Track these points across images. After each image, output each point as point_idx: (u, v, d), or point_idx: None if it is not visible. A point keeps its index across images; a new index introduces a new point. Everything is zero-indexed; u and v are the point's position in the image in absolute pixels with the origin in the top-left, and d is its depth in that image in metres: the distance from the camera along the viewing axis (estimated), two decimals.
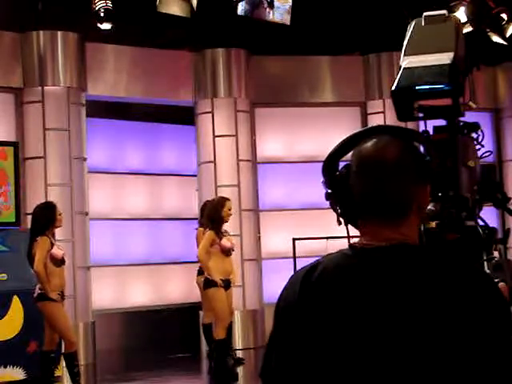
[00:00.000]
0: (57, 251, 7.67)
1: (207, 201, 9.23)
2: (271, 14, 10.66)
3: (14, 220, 9.69)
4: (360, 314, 1.72)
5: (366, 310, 1.72)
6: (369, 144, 1.81)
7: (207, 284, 8.31)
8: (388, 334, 1.69)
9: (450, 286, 1.70)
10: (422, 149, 1.86)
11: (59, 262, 7.69)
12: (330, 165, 1.93)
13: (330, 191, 1.92)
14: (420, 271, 1.72)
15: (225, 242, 8.37)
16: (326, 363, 1.74)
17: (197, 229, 9.41)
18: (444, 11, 3.15)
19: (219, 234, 8.33)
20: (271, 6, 10.64)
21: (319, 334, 1.75)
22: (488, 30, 10.98)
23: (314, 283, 1.78)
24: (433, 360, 1.65)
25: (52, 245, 7.66)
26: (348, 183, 1.84)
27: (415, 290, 1.70)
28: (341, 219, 1.91)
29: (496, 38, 11.04)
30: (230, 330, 9.46)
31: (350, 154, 1.89)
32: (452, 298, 1.68)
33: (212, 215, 8.37)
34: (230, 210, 8.40)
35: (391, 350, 1.68)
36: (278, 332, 1.83)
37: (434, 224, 3.04)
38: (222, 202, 8.49)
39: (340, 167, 1.92)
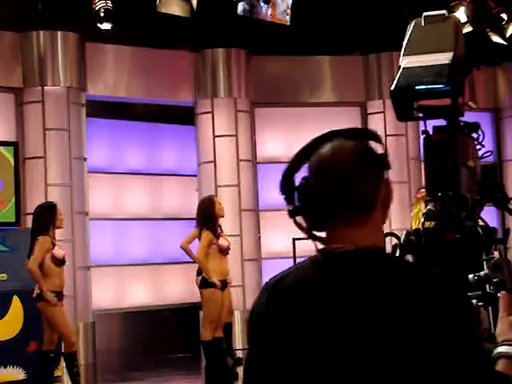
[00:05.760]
0: (58, 251, 7.69)
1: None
2: (269, 12, 10.66)
3: (14, 220, 9.70)
4: (324, 325, 1.71)
5: (330, 321, 1.71)
6: (324, 148, 1.83)
7: (204, 284, 8.36)
8: (351, 344, 1.68)
9: (414, 294, 1.69)
10: (377, 146, 1.86)
11: (60, 262, 7.70)
12: (287, 180, 1.92)
13: (291, 208, 1.89)
14: (384, 278, 1.72)
15: (222, 241, 8.43)
16: (292, 376, 1.74)
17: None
18: (444, 11, 3.15)
19: (216, 233, 8.38)
20: (268, 2, 10.64)
21: (286, 346, 1.75)
22: (488, 30, 10.99)
23: (281, 294, 1.79)
24: (399, 371, 1.65)
25: (53, 245, 7.67)
26: (310, 192, 1.83)
27: (379, 299, 1.69)
28: (308, 232, 1.88)
29: (496, 38, 11.04)
30: (229, 329, 9.48)
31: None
32: (416, 307, 1.67)
33: (206, 215, 8.40)
34: (220, 204, 8.48)
35: (356, 358, 1.68)
36: (250, 343, 1.85)
37: (433, 224, 3.04)
38: (211, 200, 8.56)
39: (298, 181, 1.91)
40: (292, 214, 1.90)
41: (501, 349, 1.79)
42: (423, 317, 1.66)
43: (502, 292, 1.93)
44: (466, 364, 1.66)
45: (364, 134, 1.87)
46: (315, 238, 1.88)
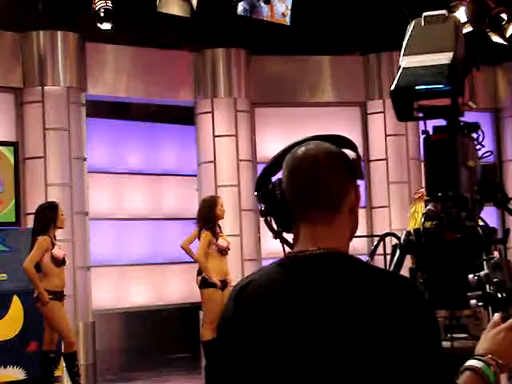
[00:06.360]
0: (58, 251, 7.68)
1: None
2: (269, 12, 10.66)
3: (14, 220, 9.70)
4: (288, 330, 1.73)
5: (294, 325, 1.73)
6: (298, 150, 1.86)
7: (204, 284, 8.38)
8: (314, 348, 1.70)
9: (376, 299, 1.70)
10: (350, 152, 1.90)
11: (60, 262, 7.70)
12: (263, 180, 1.96)
13: (264, 207, 1.93)
14: (348, 283, 1.73)
15: (221, 241, 8.44)
16: (260, 381, 1.75)
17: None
18: (444, 11, 3.15)
19: (215, 234, 8.39)
20: (268, 2, 10.63)
21: (252, 352, 1.77)
22: (488, 30, 10.98)
23: (247, 300, 1.81)
24: (359, 374, 1.67)
25: (53, 245, 7.66)
26: (280, 192, 1.87)
27: (342, 304, 1.71)
28: (277, 233, 1.93)
29: (496, 38, 11.04)
30: None
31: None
32: (378, 311, 1.68)
33: (206, 215, 8.40)
34: (222, 206, 8.48)
35: (320, 363, 1.69)
36: (219, 348, 1.87)
37: (433, 224, 3.04)
38: (214, 200, 8.56)
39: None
40: (262, 214, 1.93)
41: (469, 362, 1.82)
42: (384, 322, 1.67)
43: (498, 314, 1.95)
44: (421, 372, 1.68)
45: (340, 141, 1.92)
46: (284, 240, 1.92)
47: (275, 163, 1.94)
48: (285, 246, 1.93)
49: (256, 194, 1.96)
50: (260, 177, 1.97)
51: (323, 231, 1.81)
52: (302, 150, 1.85)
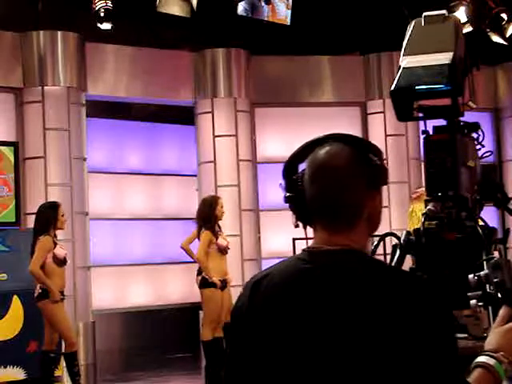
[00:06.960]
0: (59, 251, 7.67)
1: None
2: (269, 12, 10.66)
3: (14, 220, 9.70)
4: (305, 324, 1.73)
5: (310, 320, 1.72)
6: (321, 151, 1.84)
7: (204, 284, 8.38)
8: (330, 343, 1.69)
9: (394, 297, 1.70)
10: (374, 158, 1.86)
11: (61, 261, 7.69)
12: (289, 168, 1.95)
13: (288, 194, 1.93)
14: (366, 280, 1.72)
15: (221, 241, 8.45)
16: (272, 376, 1.75)
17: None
18: (444, 11, 3.15)
19: (215, 233, 8.40)
20: (268, 2, 10.63)
21: (266, 344, 1.76)
22: (488, 30, 10.98)
23: (262, 293, 1.81)
24: (370, 370, 1.66)
25: (55, 244, 7.66)
26: (302, 187, 1.86)
27: (361, 300, 1.70)
28: (298, 222, 1.93)
29: (496, 38, 11.04)
30: None
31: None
32: (393, 307, 1.68)
33: (206, 215, 8.41)
34: (222, 207, 8.48)
35: (334, 359, 1.69)
36: (231, 341, 1.86)
37: (433, 224, 3.04)
38: (214, 200, 8.57)
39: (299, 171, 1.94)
40: (286, 201, 1.94)
41: (480, 358, 1.81)
42: (400, 319, 1.67)
43: (505, 306, 1.93)
44: (434, 370, 1.67)
45: (365, 146, 1.88)
46: (305, 228, 1.91)
47: (302, 152, 1.92)
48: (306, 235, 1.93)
49: (282, 181, 1.95)
50: (286, 164, 1.96)
51: (339, 237, 1.81)
52: (323, 154, 1.82)
